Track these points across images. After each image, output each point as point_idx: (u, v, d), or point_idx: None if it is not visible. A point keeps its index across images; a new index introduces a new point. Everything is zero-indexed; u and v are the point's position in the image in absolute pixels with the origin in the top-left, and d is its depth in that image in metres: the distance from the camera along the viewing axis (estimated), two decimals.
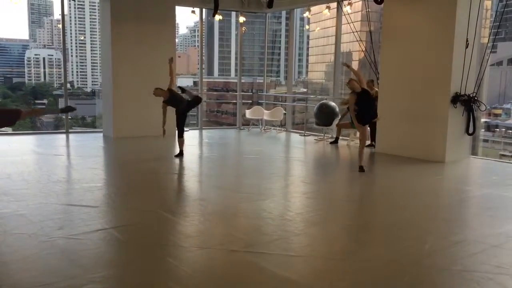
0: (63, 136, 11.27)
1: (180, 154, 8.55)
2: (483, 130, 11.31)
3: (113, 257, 3.99)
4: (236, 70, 16.81)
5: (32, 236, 4.22)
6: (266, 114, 13.07)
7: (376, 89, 9.88)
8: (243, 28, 14.01)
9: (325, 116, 10.95)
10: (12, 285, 3.22)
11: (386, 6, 9.35)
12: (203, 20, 13.37)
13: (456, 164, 8.46)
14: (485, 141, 12.83)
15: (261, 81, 14.96)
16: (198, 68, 14.20)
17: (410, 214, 5.34)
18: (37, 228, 4.44)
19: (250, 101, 14.21)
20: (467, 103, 8.48)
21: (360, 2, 11.44)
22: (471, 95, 8.46)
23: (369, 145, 10.17)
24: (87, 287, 3.24)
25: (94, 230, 4.44)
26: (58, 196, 5.71)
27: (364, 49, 10.64)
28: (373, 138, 10.08)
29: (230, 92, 22.45)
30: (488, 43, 8.61)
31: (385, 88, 9.43)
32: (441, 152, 8.50)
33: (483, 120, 10.62)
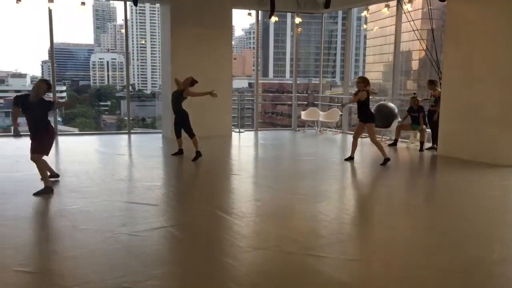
0: (125, 136, 11.75)
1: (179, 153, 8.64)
2: None
3: (172, 255, 4.10)
4: (291, 71, 16.76)
5: (98, 231, 4.43)
6: (321, 116, 12.93)
7: (439, 90, 9.50)
8: (299, 29, 13.95)
9: (384, 117, 10.66)
10: (80, 278, 3.39)
11: (449, 3, 8.95)
12: (259, 22, 13.45)
13: None
14: None
15: (317, 82, 14.82)
16: (253, 70, 14.32)
17: (475, 221, 5.08)
18: (102, 224, 4.65)
19: (306, 103, 14.10)
20: None
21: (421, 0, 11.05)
22: None
23: (430, 148, 9.80)
24: (149, 283, 3.35)
25: (155, 227, 4.58)
26: (121, 194, 5.96)
27: (425, 48, 10.25)
28: (434, 140, 9.69)
29: (285, 94, 22.45)
30: None
31: (449, 89, 9.03)
32: (510, 155, 8.01)
33: None
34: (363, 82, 7.91)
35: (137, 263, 3.71)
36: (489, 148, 8.26)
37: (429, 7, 10.20)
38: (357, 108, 8.14)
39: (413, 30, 10.26)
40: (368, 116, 8.01)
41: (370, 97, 8.05)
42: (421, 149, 9.69)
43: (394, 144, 10.31)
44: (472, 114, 8.54)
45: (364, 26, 23.16)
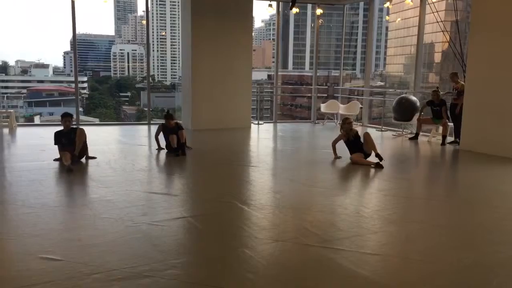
0: (145, 127, 11.87)
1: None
2: None
3: (191, 245, 4.13)
4: (311, 63, 16.64)
5: (119, 220, 4.50)
6: (341, 108, 12.82)
7: (462, 83, 9.32)
8: (320, 20, 13.81)
9: (405, 110, 10.52)
10: (101, 266, 3.45)
11: None
12: (280, 13, 13.36)
13: None
14: None
15: (337, 74, 14.69)
16: (273, 62, 14.26)
17: (498, 216, 4.98)
18: (123, 213, 4.72)
19: (325, 95, 13.99)
20: None
21: None
22: None
23: (452, 142, 9.63)
24: (169, 272, 3.39)
25: (174, 217, 4.63)
26: (141, 184, 6.03)
27: (449, 40, 10.05)
28: (457, 134, 9.52)
29: (305, 86, 22.30)
30: None
31: (473, 82, 8.84)
32: None
33: None
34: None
35: (157, 252, 3.76)
36: None
37: None
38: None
39: (437, 22, 10.07)
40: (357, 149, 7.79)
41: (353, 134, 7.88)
42: (443, 143, 9.54)
43: (415, 137, 10.17)
44: (496, 108, 8.36)
45: (386, 17, 22.82)
